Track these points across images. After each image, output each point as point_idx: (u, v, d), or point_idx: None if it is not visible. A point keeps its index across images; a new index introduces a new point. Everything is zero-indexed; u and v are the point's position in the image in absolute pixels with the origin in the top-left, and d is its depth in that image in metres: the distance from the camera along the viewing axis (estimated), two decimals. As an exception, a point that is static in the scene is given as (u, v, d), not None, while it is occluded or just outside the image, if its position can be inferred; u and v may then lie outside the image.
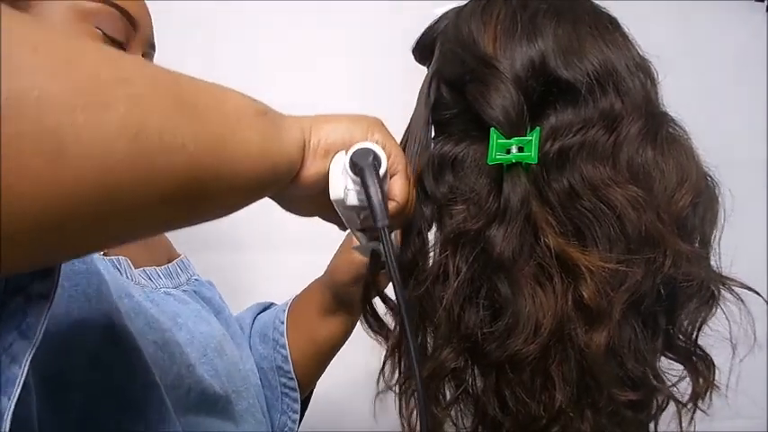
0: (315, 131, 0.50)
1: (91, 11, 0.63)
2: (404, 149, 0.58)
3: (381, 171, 0.49)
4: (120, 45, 0.66)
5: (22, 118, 0.29)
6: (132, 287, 0.65)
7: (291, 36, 1.15)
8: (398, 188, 0.53)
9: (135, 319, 0.60)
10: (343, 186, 0.50)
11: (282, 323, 0.86)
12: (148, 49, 0.72)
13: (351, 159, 0.49)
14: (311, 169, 0.49)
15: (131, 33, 0.68)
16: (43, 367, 0.47)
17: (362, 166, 0.48)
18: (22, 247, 0.31)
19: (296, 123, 0.49)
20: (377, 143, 0.51)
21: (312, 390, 0.91)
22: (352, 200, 0.50)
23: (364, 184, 0.48)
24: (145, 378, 0.57)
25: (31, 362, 0.35)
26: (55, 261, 0.37)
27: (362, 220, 0.53)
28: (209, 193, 0.41)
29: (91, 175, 0.32)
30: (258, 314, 0.91)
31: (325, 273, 0.86)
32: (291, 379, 0.84)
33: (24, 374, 0.35)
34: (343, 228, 0.59)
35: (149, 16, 0.72)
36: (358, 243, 0.60)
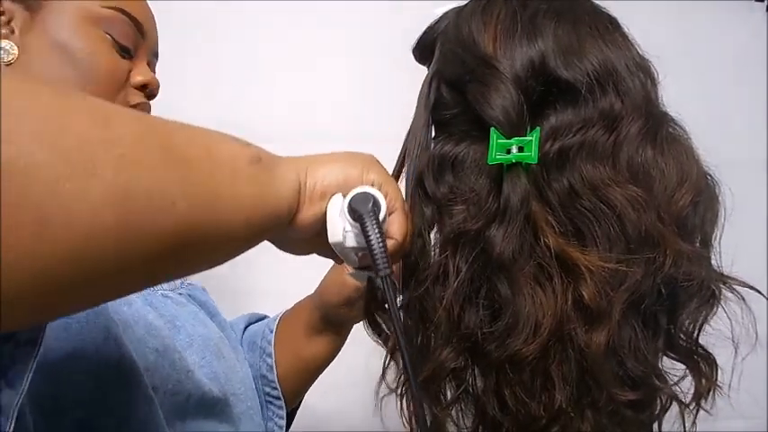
0: (310, 174, 0.49)
1: (101, 16, 0.64)
2: (405, 151, 0.58)
3: (381, 216, 0.49)
4: (128, 51, 0.67)
5: (7, 189, 0.28)
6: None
7: (291, 36, 1.15)
8: (397, 226, 0.53)
9: (135, 326, 0.60)
10: (341, 229, 0.50)
11: (272, 332, 0.86)
12: (152, 58, 0.73)
13: (350, 206, 0.49)
14: (307, 213, 0.49)
15: (139, 41, 0.69)
16: (42, 386, 0.48)
17: (362, 213, 0.48)
18: (12, 311, 0.30)
19: (291, 167, 0.48)
20: (373, 183, 0.51)
21: (300, 401, 0.90)
22: (351, 242, 0.50)
23: (365, 234, 0.47)
24: (145, 393, 0.57)
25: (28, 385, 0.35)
26: (47, 320, 0.37)
27: (360, 258, 0.53)
28: (201, 248, 0.40)
29: (76, 244, 0.31)
30: (250, 324, 0.91)
31: (315, 292, 0.84)
32: (275, 388, 0.83)
33: (12, 425, 0.35)
34: (339, 262, 0.58)
35: (156, 25, 0.73)
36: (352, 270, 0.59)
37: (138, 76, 0.68)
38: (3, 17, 0.62)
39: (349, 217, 0.49)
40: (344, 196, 0.50)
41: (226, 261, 0.45)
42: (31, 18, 0.63)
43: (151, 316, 0.64)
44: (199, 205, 0.38)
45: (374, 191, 0.50)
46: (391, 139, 0.63)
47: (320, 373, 0.87)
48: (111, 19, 0.65)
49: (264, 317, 0.93)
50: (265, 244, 1.11)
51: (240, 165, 0.43)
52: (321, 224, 0.50)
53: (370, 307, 0.60)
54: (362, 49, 1.16)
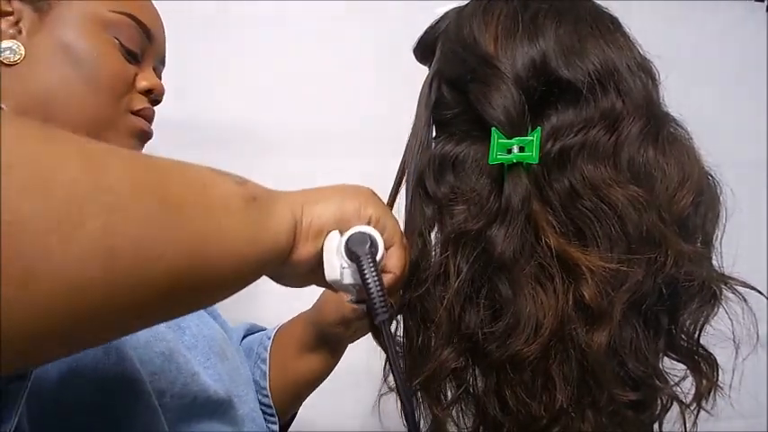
0: (306, 211, 0.49)
1: (110, 21, 0.65)
2: (405, 158, 0.58)
3: (379, 256, 0.49)
4: (135, 56, 0.67)
5: None
6: None
7: (292, 36, 1.15)
8: (395, 260, 0.53)
9: (139, 332, 0.60)
10: (338, 267, 0.49)
11: (269, 339, 0.85)
12: (158, 64, 0.73)
13: (347, 247, 0.49)
14: (303, 251, 0.49)
15: (146, 46, 0.69)
16: (47, 395, 0.47)
17: (359, 255, 0.48)
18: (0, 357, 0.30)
19: (286, 204, 0.48)
20: (370, 219, 0.51)
21: (293, 416, 0.89)
22: (349, 279, 0.50)
23: (362, 278, 0.47)
24: (147, 402, 0.57)
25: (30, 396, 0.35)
26: (36, 365, 0.37)
27: (358, 292, 0.52)
28: (193, 293, 0.40)
29: (62, 295, 0.31)
30: (249, 334, 0.90)
31: (312, 307, 0.83)
32: (266, 396, 0.83)
33: None
34: (335, 292, 0.57)
35: (164, 31, 0.73)
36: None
37: (144, 81, 0.68)
38: (11, 17, 0.62)
39: (346, 257, 0.49)
40: (341, 233, 0.50)
41: (225, 298, 0.44)
42: (39, 19, 0.63)
43: None
44: (189, 253, 0.38)
45: (371, 230, 0.50)
46: (392, 139, 0.63)
47: (309, 392, 0.85)
48: (119, 23, 0.65)
49: (263, 329, 0.92)
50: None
51: (234, 206, 0.42)
52: (316, 260, 0.50)
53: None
54: (363, 49, 1.16)
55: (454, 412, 0.56)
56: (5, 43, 0.61)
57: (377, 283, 0.47)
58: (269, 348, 0.84)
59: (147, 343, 0.60)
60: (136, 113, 0.67)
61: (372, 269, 0.47)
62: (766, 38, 1.39)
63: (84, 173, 0.33)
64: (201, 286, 0.40)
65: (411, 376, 0.56)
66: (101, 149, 0.37)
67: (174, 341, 0.64)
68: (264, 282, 1.03)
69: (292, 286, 0.56)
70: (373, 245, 0.49)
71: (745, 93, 1.34)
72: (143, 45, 0.68)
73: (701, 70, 1.28)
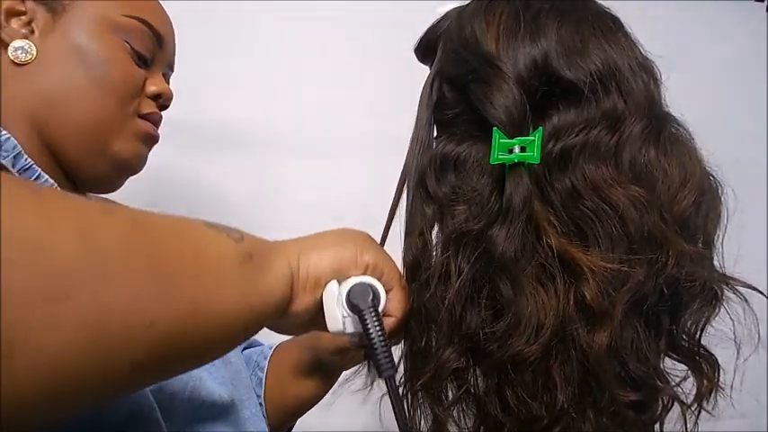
0: (303, 262, 0.49)
1: (122, 25, 0.65)
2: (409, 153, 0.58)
3: (381, 307, 0.49)
4: (145, 60, 0.67)
5: None
6: None
7: (293, 35, 1.15)
8: (396, 303, 0.53)
9: None
10: (340, 318, 0.49)
11: (270, 348, 0.84)
12: (168, 69, 0.73)
13: (349, 300, 0.49)
14: (301, 303, 0.49)
15: (157, 51, 0.69)
16: None
17: (362, 308, 0.48)
18: None
19: (282, 257, 0.48)
20: (367, 266, 0.51)
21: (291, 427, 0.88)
22: (351, 328, 0.50)
23: (366, 332, 0.47)
24: (149, 415, 0.57)
25: None
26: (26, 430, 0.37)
27: (360, 337, 0.52)
28: (184, 356, 0.40)
29: (47, 366, 0.31)
30: (249, 347, 0.89)
31: (308, 333, 0.81)
32: (260, 405, 0.82)
33: None
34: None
35: (174, 38, 0.74)
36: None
37: (153, 86, 0.68)
38: (24, 17, 0.62)
39: (347, 309, 0.49)
40: (339, 282, 0.50)
41: (219, 357, 0.45)
42: (52, 20, 0.63)
43: None
44: (181, 319, 0.38)
45: (371, 281, 0.50)
46: (393, 139, 0.63)
47: (299, 416, 0.83)
48: (131, 27, 0.66)
49: (261, 344, 0.90)
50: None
51: (229, 268, 0.42)
52: (316, 310, 0.50)
53: None
54: (364, 48, 1.16)
55: (455, 412, 0.56)
56: (18, 43, 0.61)
57: (381, 337, 0.47)
58: (269, 357, 0.83)
59: None
60: (144, 117, 0.68)
61: (376, 323, 0.47)
62: (766, 38, 1.39)
63: (75, 245, 0.33)
64: (195, 349, 0.40)
65: (412, 377, 0.56)
66: (94, 215, 0.36)
67: None
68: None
69: (292, 334, 0.55)
70: (375, 296, 0.49)
71: (745, 93, 1.34)
72: (154, 50, 0.69)
73: (700, 70, 1.28)
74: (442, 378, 0.55)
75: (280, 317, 0.48)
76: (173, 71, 0.75)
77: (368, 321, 0.48)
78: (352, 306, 0.49)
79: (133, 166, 0.69)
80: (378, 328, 0.47)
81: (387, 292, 0.53)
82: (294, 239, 0.52)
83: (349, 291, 0.49)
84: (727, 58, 1.35)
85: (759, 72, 1.35)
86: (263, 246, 0.47)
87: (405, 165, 0.61)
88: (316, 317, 0.51)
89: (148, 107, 0.68)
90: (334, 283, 0.50)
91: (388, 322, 0.54)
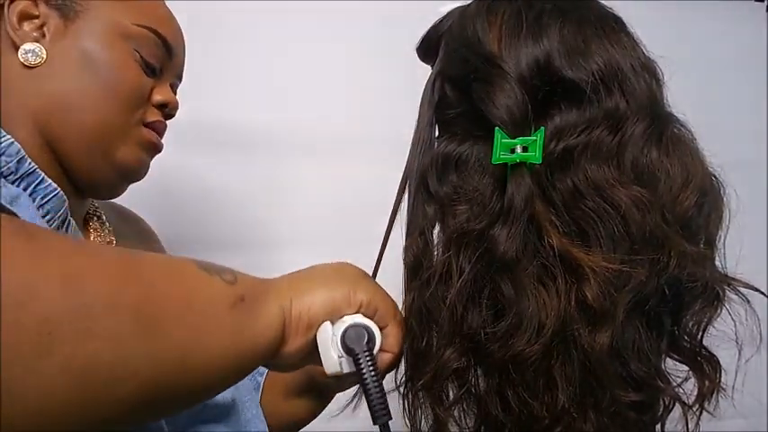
0: (295, 304, 0.49)
1: (133, 33, 0.65)
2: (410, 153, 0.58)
3: (376, 349, 0.49)
4: (154, 70, 0.68)
5: None
6: None
7: (294, 35, 1.15)
8: (392, 340, 0.53)
9: None
10: (336, 360, 0.49)
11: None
12: (175, 80, 0.74)
13: (344, 343, 0.49)
14: (293, 345, 0.49)
15: (166, 61, 0.70)
16: None
17: (357, 352, 0.48)
18: None
19: (275, 300, 0.47)
20: (361, 305, 0.51)
21: None
22: (347, 368, 0.50)
23: (361, 377, 0.47)
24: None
25: None
26: None
27: (358, 376, 0.51)
28: (171, 401, 0.40)
29: (29, 419, 0.31)
30: None
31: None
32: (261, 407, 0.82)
33: None
34: None
35: (185, 49, 0.74)
36: None
37: (159, 96, 0.69)
38: (36, 20, 0.63)
39: (343, 351, 0.49)
40: (333, 323, 0.50)
41: (212, 398, 0.44)
42: (64, 26, 0.63)
43: None
44: (167, 366, 0.37)
45: (365, 322, 0.50)
46: (395, 139, 0.63)
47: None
48: (141, 36, 0.66)
49: None
50: (264, 245, 1.10)
51: (219, 311, 0.42)
52: (309, 350, 0.50)
53: None
54: (365, 48, 1.16)
55: (456, 412, 0.56)
56: (29, 45, 0.62)
57: (375, 383, 0.47)
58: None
59: None
60: (148, 125, 0.68)
61: (371, 367, 0.47)
62: (766, 38, 1.39)
63: (61, 297, 0.32)
64: (184, 394, 0.40)
65: (413, 376, 0.56)
66: (83, 261, 0.36)
67: None
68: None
69: (285, 372, 0.55)
70: (370, 339, 0.49)
71: (745, 93, 1.33)
72: (163, 60, 0.69)
73: (700, 71, 1.28)
74: (442, 378, 0.55)
75: (272, 358, 0.48)
76: (180, 81, 0.76)
77: (363, 366, 0.48)
78: (348, 349, 0.49)
79: (135, 173, 0.69)
80: (373, 373, 0.47)
81: (382, 328, 0.53)
82: (287, 277, 0.51)
83: (344, 334, 0.49)
84: (727, 58, 1.35)
85: (759, 72, 1.35)
86: (256, 287, 0.47)
87: (406, 165, 0.61)
88: (307, 356, 0.50)
89: (154, 116, 0.68)
90: (327, 325, 0.50)
91: (385, 358, 0.54)
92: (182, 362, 0.38)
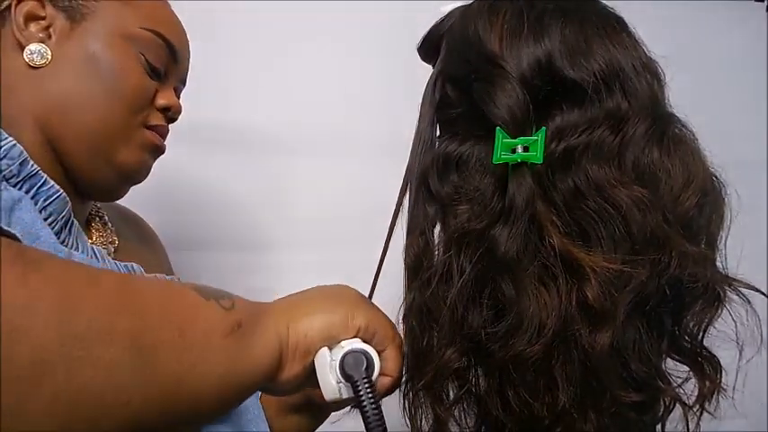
0: (292, 330, 0.48)
1: (137, 36, 0.66)
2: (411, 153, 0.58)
3: (375, 375, 0.49)
4: (158, 74, 0.68)
5: None
6: None
7: (294, 35, 1.15)
8: (391, 363, 0.53)
9: None
10: (335, 385, 0.49)
11: None
12: (179, 84, 0.74)
13: (343, 370, 0.48)
14: (290, 371, 0.48)
15: (171, 65, 0.70)
16: None
17: (356, 379, 0.48)
18: None
19: (271, 326, 0.47)
20: (359, 330, 0.51)
21: None
22: (346, 394, 0.50)
23: (360, 404, 0.47)
24: None
25: None
26: None
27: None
28: (163, 427, 0.39)
29: None
30: None
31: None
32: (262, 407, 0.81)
33: None
34: None
35: (189, 53, 0.74)
36: None
37: (162, 99, 0.69)
38: (43, 21, 0.63)
39: (341, 378, 0.49)
40: (331, 348, 0.50)
41: (210, 423, 0.45)
42: (70, 28, 0.64)
43: None
44: (161, 395, 0.37)
45: (364, 347, 0.50)
46: (395, 138, 0.63)
47: None
48: (147, 40, 0.66)
49: None
50: (264, 245, 1.10)
51: (215, 340, 0.41)
52: (306, 375, 0.49)
53: None
54: (366, 48, 1.15)
55: (456, 412, 0.56)
56: (35, 46, 0.62)
57: (375, 411, 0.47)
58: None
59: None
60: (151, 128, 0.68)
61: (370, 394, 0.47)
62: (766, 38, 1.39)
63: (53, 326, 0.32)
64: (178, 420, 0.40)
65: (414, 376, 0.56)
66: (78, 288, 0.35)
67: None
68: (265, 281, 1.03)
69: (283, 396, 0.54)
70: (369, 365, 0.49)
71: (745, 93, 1.33)
72: (168, 64, 0.69)
73: (701, 70, 1.28)
74: (443, 378, 0.55)
75: (268, 383, 0.48)
76: (184, 85, 0.76)
77: (362, 393, 0.47)
78: (347, 376, 0.48)
79: (136, 175, 0.69)
80: (372, 399, 0.47)
81: (381, 351, 0.52)
82: (284, 301, 0.51)
83: (342, 360, 0.49)
84: (727, 58, 1.35)
85: (759, 72, 1.35)
86: (253, 313, 0.46)
87: (408, 164, 0.61)
88: (305, 381, 0.50)
89: (157, 119, 0.69)
90: (325, 350, 0.50)
91: (384, 381, 0.53)
92: (176, 390, 0.38)
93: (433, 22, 0.61)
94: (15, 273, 0.32)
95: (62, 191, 0.59)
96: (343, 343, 0.51)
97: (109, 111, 0.64)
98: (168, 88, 0.71)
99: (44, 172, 0.59)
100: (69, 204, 0.60)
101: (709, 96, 1.24)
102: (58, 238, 0.58)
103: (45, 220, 0.57)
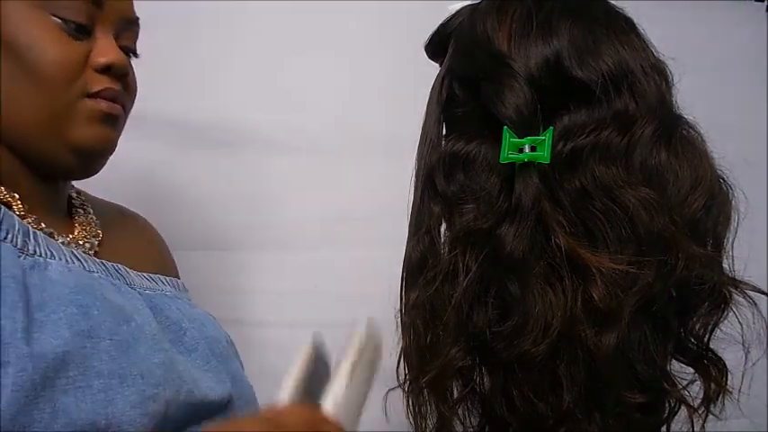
0: None
1: None
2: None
3: None
4: (84, 28, 0.60)
5: None
6: (132, 300, 0.63)
7: (292, 34, 1.14)
8: None
9: (136, 344, 0.58)
10: None
11: None
12: (123, 26, 0.64)
13: None
14: None
15: (95, 13, 0.60)
16: None
17: None
18: None
19: None
20: None
21: None
22: None
23: None
24: None
25: None
26: None
27: None
28: None
29: None
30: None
31: None
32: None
33: None
34: None
35: None
36: None
37: (100, 57, 0.60)
38: None
39: None
40: None
41: None
42: None
43: (150, 327, 0.62)
44: None
45: None
46: (402, 137, 0.63)
47: None
48: None
49: None
50: (263, 245, 1.09)
51: None
52: None
53: None
54: (373, 46, 1.15)
55: (460, 411, 0.56)
56: None
57: None
58: None
59: (145, 356, 0.58)
60: (94, 95, 0.60)
61: None
62: (766, 38, 1.39)
63: None
64: None
65: (417, 374, 0.56)
66: None
67: (171, 350, 0.62)
68: (265, 282, 1.02)
69: None
70: None
71: (745, 93, 1.34)
72: (91, 13, 0.60)
73: (700, 70, 1.28)
74: (447, 376, 0.55)
75: None
76: (137, 25, 0.66)
77: None
78: None
79: (97, 150, 0.62)
80: None
81: None
82: None
83: None
84: (727, 58, 1.35)
85: (759, 72, 1.35)
86: None
87: (416, 164, 0.61)
88: None
89: (98, 84, 0.60)
90: None
91: None
92: None
93: (434, 21, 0.61)
94: None
95: (2, 207, 0.54)
96: None
97: (38, 95, 0.57)
98: (102, 41, 0.61)
99: (8, 173, 0.54)
100: (16, 218, 0.55)
101: (709, 96, 1.24)
102: (25, 251, 0.54)
103: (3, 240, 0.53)
